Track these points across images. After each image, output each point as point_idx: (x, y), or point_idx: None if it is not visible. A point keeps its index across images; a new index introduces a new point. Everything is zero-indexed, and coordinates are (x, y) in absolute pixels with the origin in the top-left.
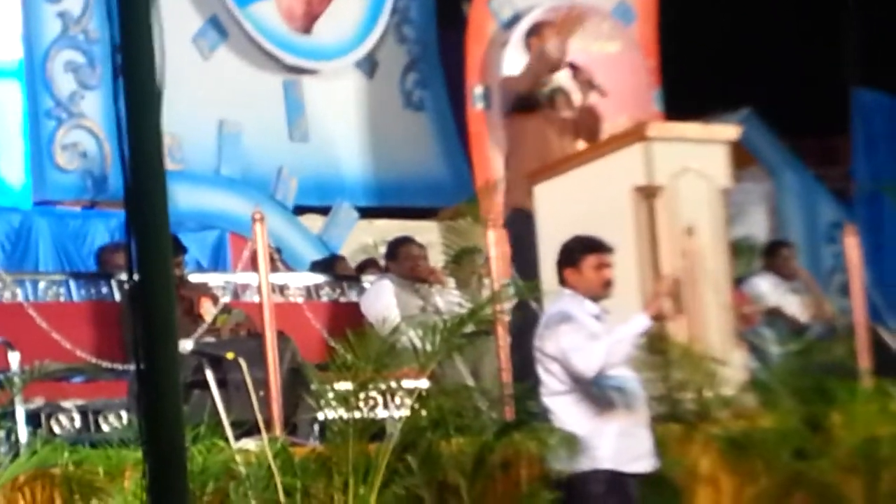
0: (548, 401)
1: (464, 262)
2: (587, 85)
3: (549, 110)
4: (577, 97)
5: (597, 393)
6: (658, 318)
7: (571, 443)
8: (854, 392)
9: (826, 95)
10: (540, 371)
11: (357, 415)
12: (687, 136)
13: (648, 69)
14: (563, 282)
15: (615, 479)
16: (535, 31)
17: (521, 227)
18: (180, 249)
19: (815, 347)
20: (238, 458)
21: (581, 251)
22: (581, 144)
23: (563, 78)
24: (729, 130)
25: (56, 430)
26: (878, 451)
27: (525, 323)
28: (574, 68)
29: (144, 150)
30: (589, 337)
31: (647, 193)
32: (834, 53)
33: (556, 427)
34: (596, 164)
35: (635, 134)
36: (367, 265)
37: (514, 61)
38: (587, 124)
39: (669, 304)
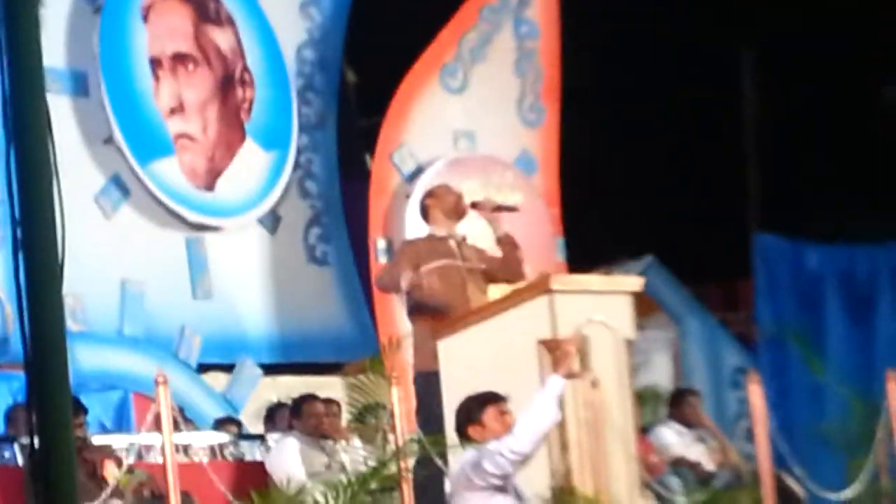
0: None
1: (368, 418)
2: (495, 211)
3: (456, 261)
4: (488, 235)
5: None
6: (569, 376)
7: None
8: None
9: (728, 240)
10: None
11: None
12: (590, 287)
13: (551, 219)
14: (467, 440)
15: None
16: (430, 194)
17: (426, 387)
18: (82, 410)
19: (721, 497)
20: None
21: (479, 406)
22: (496, 289)
23: (468, 225)
24: (632, 281)
25: None
26: None
27: (429, 480)
28: (475, 205)
29: (45, 323)
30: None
31: (552, 346)
32: (735, 199)
33: None
34: (500, 318)
35: (539, 287)
36: (276, 416)
37: (416, 215)
38: (508, 258)
39: (577, 362)
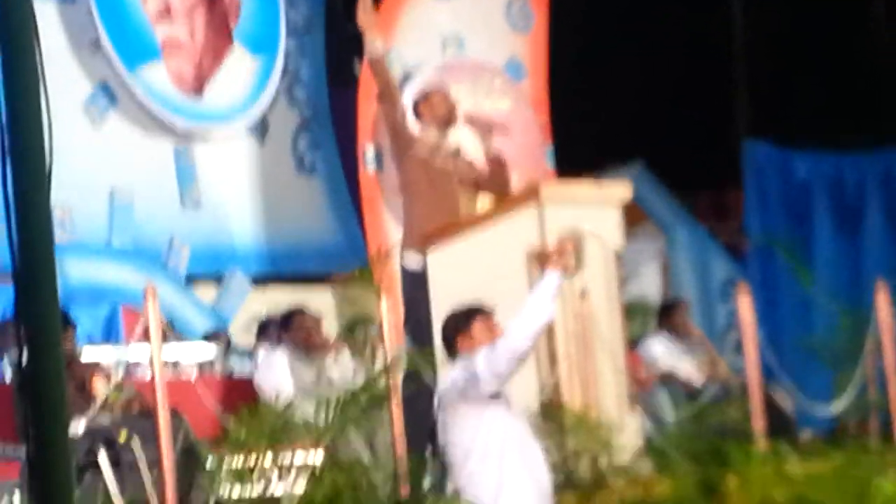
0: (453, 474)
1: (357, 330)
2: (486, 129)
3: (447, 166)
4: (479, 150)
5: (504, 462)
6: (566, 272)
7: None
8: (749, 455)
9: (717, 149)
10: (444, 445)
11: (252, 492)
12: (579, 197)
13: (540, 126)
14: (456, 351)
15: None
16: (426, 98)
17: (414, 289)
18: (70, 324)
19: (710, 410)
20: None
21: (467, 317)
22: (485, 199)
23: (459, 135)
24: (621, 191)
25: None
26: None
27: (418, 393)
28: (469, 120)
29: (33, 234)
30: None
31: (541, 257)
32: (724, 107)
33: (452, 501)
34: (489, 229)
35: (527, 196)
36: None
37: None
38: (495, 175)
39: (573, 259)
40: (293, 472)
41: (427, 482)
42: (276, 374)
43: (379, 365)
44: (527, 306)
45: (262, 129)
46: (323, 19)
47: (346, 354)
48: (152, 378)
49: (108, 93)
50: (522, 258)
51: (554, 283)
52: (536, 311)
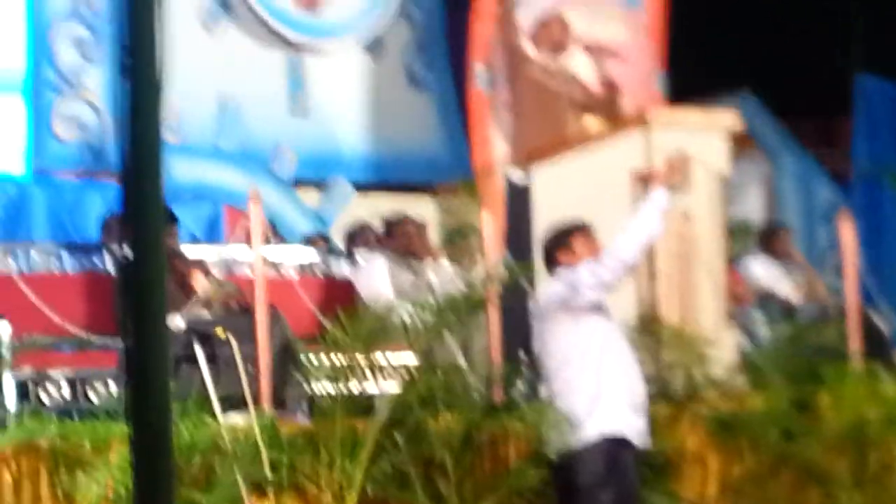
0: (549, 381)
1: (458, 240)
2: (601, 54)
3: (560, 88)
4: (592, 74)
5: (601, 371)
6: (674, 191)
7: (561, 423)
8: (844, 374)
9: (827, 79)
10: (540, 353)
11: (346, 391)
12: (687, 122)
13: (653, 52)
14: (556, 264)
15: (611, 454)
16: (542, 23)
17: (517, 203)
18: (173, 220)
19: (807, 329)
20: (225, 433)
21: (569, 232)
22: (595, 122)
23: (574, 59)
24: (729, 117)
25: (44, 399)
26: (866, 432)
27: (516, 303)
28: (584, 44)
29: (142, 134)
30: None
31: (646, 179)
32: (838, 38)
33: (545, 407)
34: (595, 149)
35: (636, 120)
36: (360, 235)
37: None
38: (606, 99)
39: (679, 178)
40: (388, 373)
41: (521, 388)
42: (375, 277)
43: (478, 273)
44: (634, 220)
45: (376, 45)
46: None
47: (445, 263)
48: (253, 276)
49: (224, 3)
50: (628, 180)
51: (661, 200)
52: (643, 226)
